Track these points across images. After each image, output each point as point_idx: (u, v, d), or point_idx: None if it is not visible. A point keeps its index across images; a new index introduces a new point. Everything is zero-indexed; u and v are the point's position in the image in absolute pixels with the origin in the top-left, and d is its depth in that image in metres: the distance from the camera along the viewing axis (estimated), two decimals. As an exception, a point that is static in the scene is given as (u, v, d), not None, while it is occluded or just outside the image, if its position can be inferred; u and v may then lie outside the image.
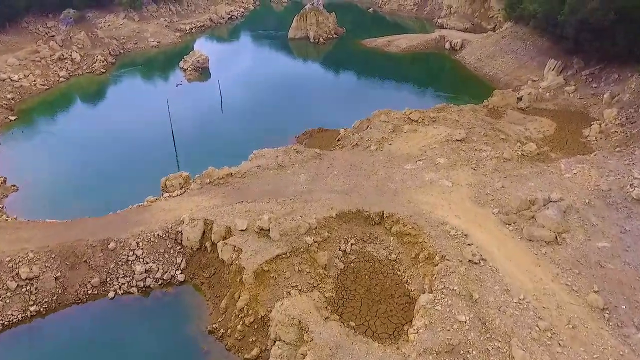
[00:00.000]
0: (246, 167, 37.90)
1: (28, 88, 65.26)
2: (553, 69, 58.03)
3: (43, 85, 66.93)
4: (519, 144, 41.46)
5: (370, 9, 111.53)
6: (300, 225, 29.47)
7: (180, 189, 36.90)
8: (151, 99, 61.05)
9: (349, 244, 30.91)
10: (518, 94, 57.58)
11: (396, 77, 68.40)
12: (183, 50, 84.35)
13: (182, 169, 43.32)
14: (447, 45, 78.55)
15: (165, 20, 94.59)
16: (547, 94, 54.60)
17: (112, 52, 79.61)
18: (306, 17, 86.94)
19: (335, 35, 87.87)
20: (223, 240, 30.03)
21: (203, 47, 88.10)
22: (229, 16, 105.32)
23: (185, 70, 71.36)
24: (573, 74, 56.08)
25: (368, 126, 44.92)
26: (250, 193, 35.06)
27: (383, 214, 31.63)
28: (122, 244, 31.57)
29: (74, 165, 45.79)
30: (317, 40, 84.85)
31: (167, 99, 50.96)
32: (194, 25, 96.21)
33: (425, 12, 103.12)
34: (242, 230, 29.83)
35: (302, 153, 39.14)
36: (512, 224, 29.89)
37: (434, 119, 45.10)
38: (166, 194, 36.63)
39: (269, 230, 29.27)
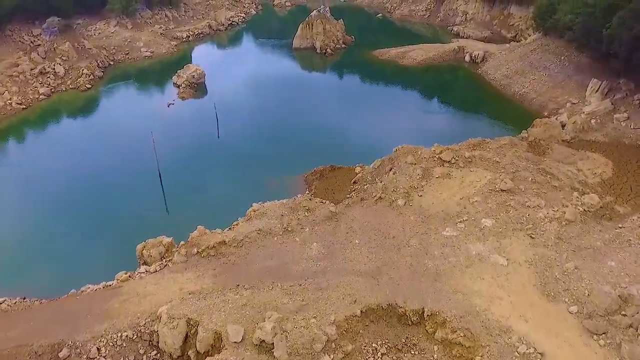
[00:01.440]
0: (244, 230, 29.55)
1: (2, 108, 56.91)
2: (597, 91, 49.46)
3: (20, 104, 58.57)
4: (576, 194, 33.03)
5: (380, 15, 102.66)
6: (315, 338, 21.16)
7: (161, 259, 28.62)
8: (139, 123, 52.55)
9: (379, 353, 22.64)
10: (557, 118, 49.34)
11: (414, 97, 60.08)
12: (178, 61, 75.94)
13: (168, 222, 35.34)
14: (467, 58, 69.95)
15: (161, 27, 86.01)
16: (593, 121, 46.13)
17: (100, 64, 71.11)
18: (312, 25, 78.30)
19: (343, 45, 79.21)
20: (210, 353, 21.79)
21: (200, 58, 79.57)
22: (230, 22, 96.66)
23: (178, 87, 62.90)
24: (622, 98, 47.52)
25: (391, 168, 36.53)
26: (248, 271, 26.73)
27: (423, 312, 23.36)
28: (78, 350, 23.27)
29: (37, 216, 37.19)
30: (324, 50, 76.19)
31: (152, 133, 42.03)
32: (191, 33, 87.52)
33: (439, 19, 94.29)
34: (236, 342, 21.56)
35: (314, 212, 30.74)
36: (602, 335, 21.56)
37: (469, 160, 36.67)
38: (143, 267, 28.34)
39: (272, 344, 21.01)
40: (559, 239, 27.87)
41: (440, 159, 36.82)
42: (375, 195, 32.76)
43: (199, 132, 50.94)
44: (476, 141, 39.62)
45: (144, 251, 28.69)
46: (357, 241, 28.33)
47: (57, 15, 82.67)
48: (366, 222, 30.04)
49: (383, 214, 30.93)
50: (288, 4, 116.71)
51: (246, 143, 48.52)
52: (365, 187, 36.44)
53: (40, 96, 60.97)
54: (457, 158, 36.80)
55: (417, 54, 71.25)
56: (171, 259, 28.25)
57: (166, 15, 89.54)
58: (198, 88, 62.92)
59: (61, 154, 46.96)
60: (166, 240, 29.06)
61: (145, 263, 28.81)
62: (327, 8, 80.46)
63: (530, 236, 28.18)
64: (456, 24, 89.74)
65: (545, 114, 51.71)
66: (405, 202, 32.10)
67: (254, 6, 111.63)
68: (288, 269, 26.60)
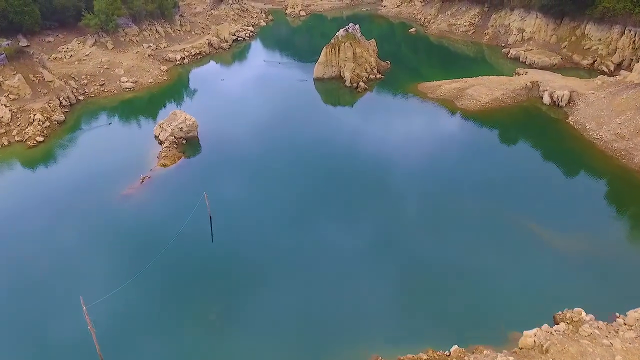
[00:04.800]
0: None
1: None
2: None
3: None
4: None
5: (412, 29, 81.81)
6: None
7: None
8: (96, 220, 32.86)
9: None
10: None
11: (493, 175, 37.03)
12: (167, 93, 56.28)
13: None
14: (545, 99, 49.69)
15: (150, 46, 65.64)
16: None
17: (64, 101, 51.15)
18: (338, 48, 57.91)
19: (378, 75, 58.74)
20: None
21: (194, 85, 59.54)
22: (234, 38, 76.16)
23: (161, 143, 42.95)
24: None
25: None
26: None
27: None
28: None
29: None
30: (355, 84, 55.79)
31: (82, 299, 21.18)
32: (187, 54, 67.12)
33: (487, 37, 73.37)
34: None
35: None
36: None
37: None
38: None
39: None
40: None
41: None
42: None
43: (181, 235, 30.74)
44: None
45: None
46: None
47: (21, 32, 63.23)
48: None
49: None
50: (302, 12, 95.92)
51: (253, 264, 28.70)
52: None
53: (-32, 157, 41.42)
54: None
55: (479, 92, 50.93)
56: None
57: (157, 31, 69.11)
58: (188, 145, 42.98)
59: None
60: None
61: None
62: (357, 26, 59.89)
63: None
64: (510, 45, 69.12)
65: None
66: None
67: (264, 16, 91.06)
68: None
